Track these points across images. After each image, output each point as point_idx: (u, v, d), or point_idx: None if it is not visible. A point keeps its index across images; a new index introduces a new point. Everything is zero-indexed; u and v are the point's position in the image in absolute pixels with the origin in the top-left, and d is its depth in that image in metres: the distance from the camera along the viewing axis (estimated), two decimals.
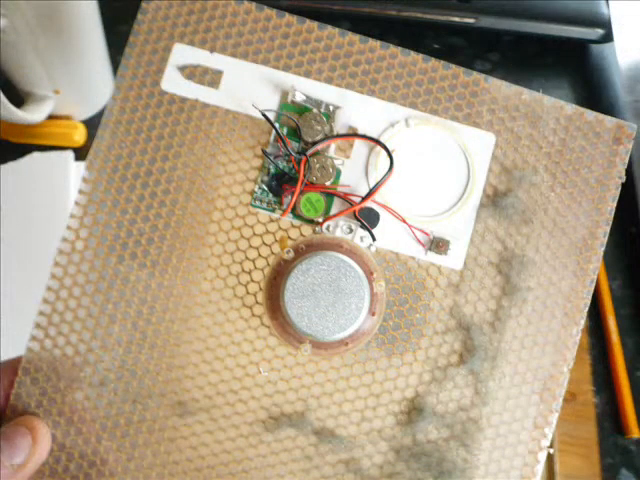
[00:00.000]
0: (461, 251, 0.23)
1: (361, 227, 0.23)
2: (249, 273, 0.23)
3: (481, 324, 0.23)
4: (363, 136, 0.23)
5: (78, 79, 0.42)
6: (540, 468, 0.23)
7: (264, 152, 0.23)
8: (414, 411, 0.23)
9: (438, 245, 0.23)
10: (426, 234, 0.23)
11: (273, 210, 0.23)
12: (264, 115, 0.23)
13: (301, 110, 0.23)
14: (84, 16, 0.38)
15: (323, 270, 0.21)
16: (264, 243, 0.23)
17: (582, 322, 0.23)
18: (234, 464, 0.23)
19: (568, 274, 0.23)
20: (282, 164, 0.23)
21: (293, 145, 0.23)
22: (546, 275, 0.23)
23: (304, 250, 0.22)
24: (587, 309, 0.23)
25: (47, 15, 0.36)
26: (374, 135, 0.23)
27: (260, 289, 0.23)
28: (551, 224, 0.23)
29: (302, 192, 0.23)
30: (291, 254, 0.22)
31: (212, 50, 0.24)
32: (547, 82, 0.49)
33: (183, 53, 0.24)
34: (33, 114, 0.40)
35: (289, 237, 0.23)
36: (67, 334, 0.23)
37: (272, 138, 0.23)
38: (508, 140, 0.24)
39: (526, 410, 0.23)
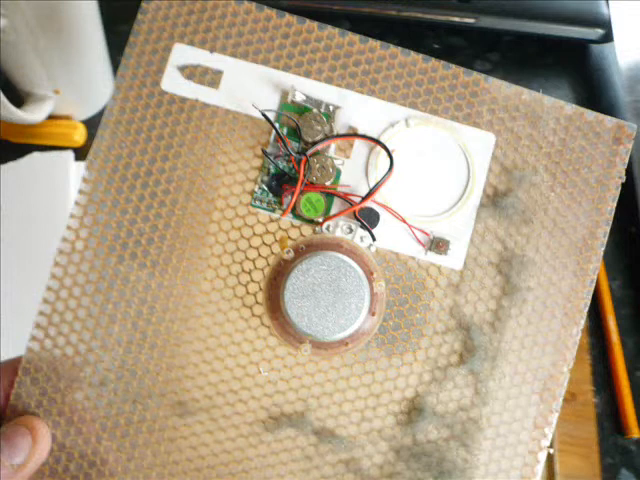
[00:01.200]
0: (461, 251, 0.23)
1: (361, 227, 0.23)
2: (249, 273, 0.23)
3: (481, 324, 0.23)
4: (363, 136, 0.23)
5: (78, 79, 0.42)
6: (540, 468, 0.23)
7: (264, 152, 0.23)
8: (414, 411, 0.23)
9: (438, 245, 0.23)
10: (426, 234, 0.23)
11: (273, 210, 0.23)
12: (264, 115, 0.23)
13: (301, 110, 0.23)
14: (84, 16, 0.38)
15: (323, 270, 0.21)
16: (264, 243, 0.23)
17: (582, 322, 0.23)
18: (234, 464, 0.23)
19: (568, 274, 0.23)
20: (282, 164, 0.23)
21: (293, 145, 0.23)
22: (546, 275, 0.23)
23: (304, 250, 0.22)
24: (587, 309, 0.23)
25: (47, 15, 0.36)
26: (374, 135, 0.23)
27: (260, 289, 0.23)
28: (551, 224, 0.23)
29: (302, 192, 0.23)
30: (291, 254, 0.22)
31: (212, 50, 0.24)
32: (547, 82, 0.49)
33: (183, 53, 0.24)
34: (33, 114, 0.40)
35: (289, 237, 0.23)
36: (67, 334, 0.23)
37: (272, 138, 0.23)
38: (508, 140, 0.24)
39: (526, 410, 0.23)
